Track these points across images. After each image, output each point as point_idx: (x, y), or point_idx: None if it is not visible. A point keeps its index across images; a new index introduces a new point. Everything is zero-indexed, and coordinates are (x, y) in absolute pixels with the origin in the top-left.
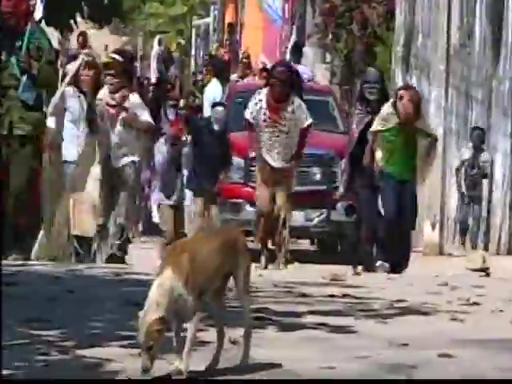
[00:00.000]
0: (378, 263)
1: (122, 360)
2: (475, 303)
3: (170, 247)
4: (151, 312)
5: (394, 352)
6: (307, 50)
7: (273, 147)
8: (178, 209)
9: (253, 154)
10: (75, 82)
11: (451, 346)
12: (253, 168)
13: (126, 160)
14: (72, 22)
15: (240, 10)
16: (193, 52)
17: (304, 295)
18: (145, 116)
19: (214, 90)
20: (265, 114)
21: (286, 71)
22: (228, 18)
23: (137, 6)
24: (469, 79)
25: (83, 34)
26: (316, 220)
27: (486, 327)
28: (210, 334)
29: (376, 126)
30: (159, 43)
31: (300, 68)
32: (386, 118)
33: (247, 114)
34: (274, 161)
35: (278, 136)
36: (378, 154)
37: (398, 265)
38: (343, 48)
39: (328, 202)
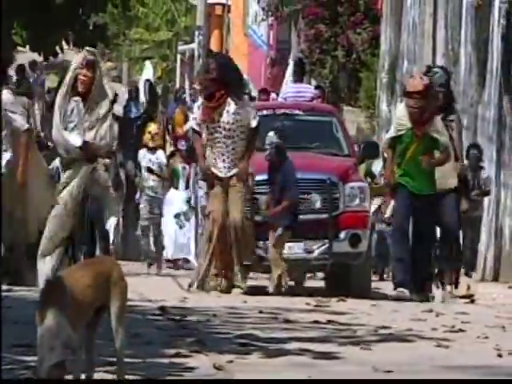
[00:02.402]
0: (397, 290)
1: None
2: (460, 330)
3: (47, 287)
4: (48, 359)
5: (379, 378)
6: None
7: (219, 155)
8: None
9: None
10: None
11: (436, 372)
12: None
13: None
14: (57, 47)
15: (225, 35)
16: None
17: (289, 321)
18: (15, 116)
19: None
20: (204, 121)
21: (217, 61)
22: (213, 44)
23: (121, 32)
24: None
25: (21, 67)
26: (317, 252)
27: (471, 353)
28: (195, 360)
29: (391, 132)
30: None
31: (303, 86)
32: (400, 122)
33: (191, 121)
34: (221, 171)
35: (223, 143)
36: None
37: (417, 289)
38: (328, 74)
39: (330, 231)
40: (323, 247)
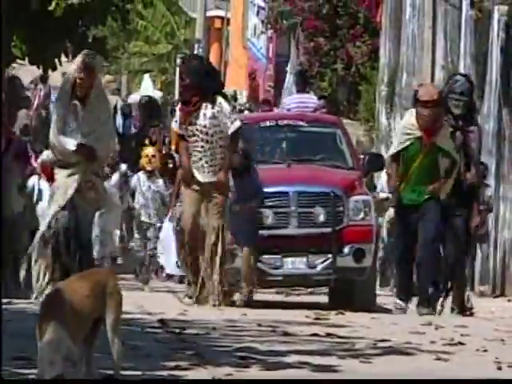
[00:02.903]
0: (393, 303)
1: None
2: (459, 343)
3: (45, 301)
4: (48, 372)
5: None
6: (292, 89)
7: (198, 159)
8: None
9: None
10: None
11: None
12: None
13: None
14: (56, 60)
15: (224, 48)
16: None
17: (288, 334)
18: None
19: None
20: (183, 124)
21: (189, 67)
22: (212, 57)
23: (121, 45)
24: None
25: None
26: (320, 267)
27: (471, 366)
28: (194, 373)
29: (397, 145)
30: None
31: (306, 97)
32: (407, 131)
33: (174, 125)
34: (201, 175)
35: (201, 146)
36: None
37: (419, 304)
38: (327, 87)
39: (333, 246)
40: (327, 262)
